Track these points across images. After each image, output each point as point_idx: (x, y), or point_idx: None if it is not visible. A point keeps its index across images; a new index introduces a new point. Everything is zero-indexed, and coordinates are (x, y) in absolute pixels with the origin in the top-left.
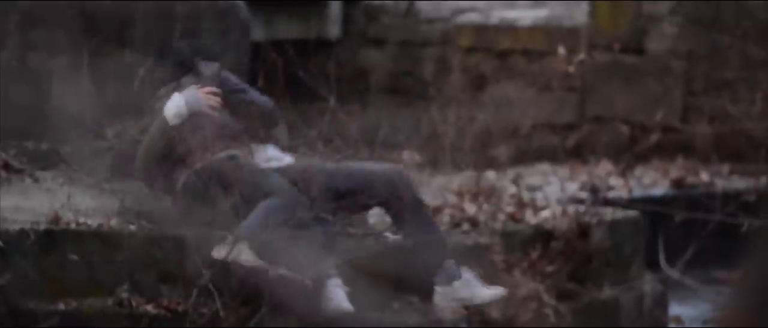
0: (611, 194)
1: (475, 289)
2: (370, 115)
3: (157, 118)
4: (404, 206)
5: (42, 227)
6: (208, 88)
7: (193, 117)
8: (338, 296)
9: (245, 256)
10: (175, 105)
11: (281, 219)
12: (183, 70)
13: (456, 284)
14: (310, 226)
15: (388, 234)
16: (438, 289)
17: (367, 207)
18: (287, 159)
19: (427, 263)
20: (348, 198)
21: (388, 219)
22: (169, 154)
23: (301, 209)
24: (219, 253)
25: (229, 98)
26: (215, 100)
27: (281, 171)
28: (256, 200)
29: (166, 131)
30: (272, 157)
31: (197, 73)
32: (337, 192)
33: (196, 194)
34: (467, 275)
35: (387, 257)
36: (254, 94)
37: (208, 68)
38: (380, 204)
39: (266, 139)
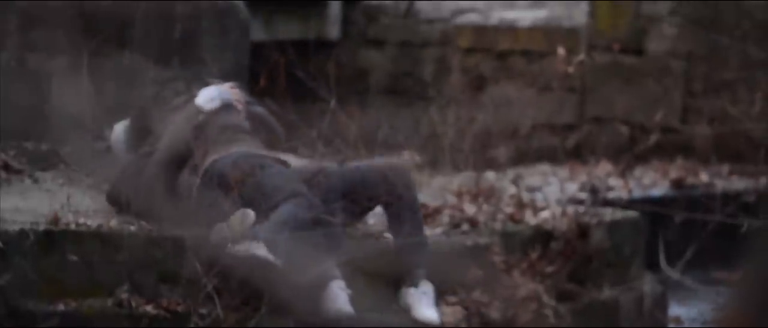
0: (611, 195)
1: (418, 304)
2: (369, 116)
3: (175, 124)
4: (402, 206)
5: (41, 227)
6: (233, 85)
7: (223, 108)
8: (340, 298)
9: (260, 251)
10: (209, 94)
11: (303, 222)
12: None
13: (411, 290)
14: (323, 226)
15: (388, 235)
16: (401, 290)
17: (369, 208)
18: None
19: (405, 265)
20: (350, 199)
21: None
22: (196, 149)
23: (317, 212)
24: (229, 243)
25: (249, 109)
26: (242, 96)
27: (297, 170)
28: (273, 198)
29: (194, 121)
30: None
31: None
32: (338, 193)
33: (213, 187)
34: (425, 288)
35: (377, 257)
36: (266, 114)
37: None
38: (381, 204)
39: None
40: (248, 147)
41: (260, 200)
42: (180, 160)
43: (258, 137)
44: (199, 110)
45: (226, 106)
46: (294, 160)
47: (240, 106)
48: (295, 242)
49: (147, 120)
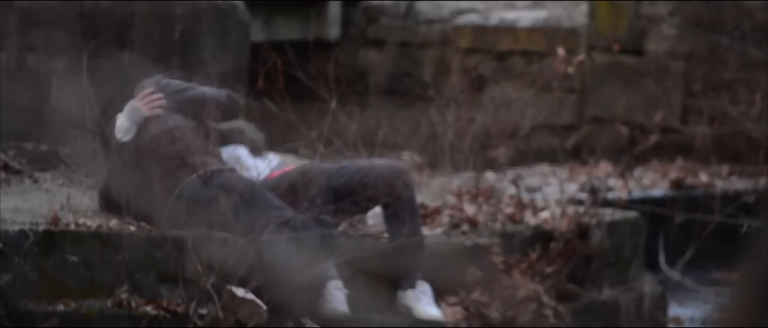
0: (611, 195)
1: (418, 304)
2: (369, 116)
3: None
4: (401, 206)
5: (41, 228)
6: (141, 95)
7: (143, 127)
8: (337, 298)
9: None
10: (120, 124)
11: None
12: (120, 98)
13: (409, 292)
14: (310, 227)
15: (387, 235)
16: (399, 293)
17: (368, 208)
18: (275, 161)
19: (402, 267)
20: (348, 198)
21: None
22: (144, 171)
23: (295, 217)
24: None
25: (175, 100)
26: (156, 101)
27: (281, 176)
28: (253, 219)
29: (121, 152)
30: (258, 163)
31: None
32: (337, 192)
33: (192, 210)
34: (422, 287)
35: (374, 257)
36: (202, 89)
37: (149, 81)
38: (380, 204)
39: (234, 140)
40: (195, 158)
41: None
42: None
43: (203, 124)
44: (118, 143)
45: (144, 124)
46: (275, 160)
47: (158, 111)
48: (293, 242)
49: (114, 104)
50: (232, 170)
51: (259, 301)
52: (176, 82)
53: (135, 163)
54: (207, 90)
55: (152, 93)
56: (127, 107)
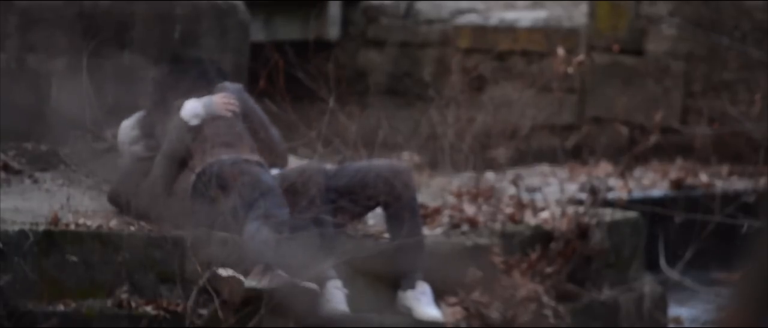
0: (611, 195)
1: (418, 304)
2: (369, 117)
3: (170, 132)
4: (401, 207)
5: (41, 228)
6: (224, 95)
7: (210, 120)
8: (336, 297)
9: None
10: (192, 107)
11: (265, 242)
12: (203, 86)
13: (409, 292)
14: (307, 227)
15: (387, 235)
16: (399, 293)
17: (368, 208)
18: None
19: (402, 267)
20: (348, 198)
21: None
22: (188, 157)
23: (285, 213)
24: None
25: (248, 117)
26: (233, 106)
27: (280, 175)
28: (251, 204)
29: (184, 134)
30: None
31: (218, 89)
32: (336, 193)
33: (201, 194)
34: (422, 288)
35: (375, 257)
36: (272, 128)
37: (232, 87)
38: (380, 204)
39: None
40: (237, 153)
41: (238, 207)
42: (178, 163)
43: (253, 138)
44: (184, 124)
45: (212, 119)
46: (292, 161)
47: (229, 114)
48: (292, 242)
49: (152, 122)
50: (230, 158)
51: (240, 276)
52: (253, 105)
53: (196, 144)
54: (274, 130)
55: (230, 97)
56: (205, 98)
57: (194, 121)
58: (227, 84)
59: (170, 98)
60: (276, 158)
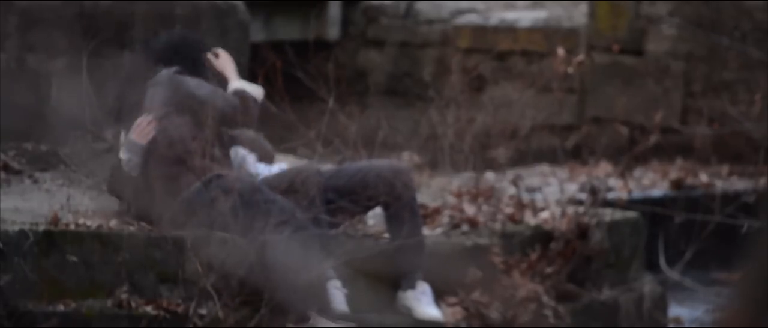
0: (611, 195)
1: (418, 304)
2: (369, 117)
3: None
4: (401, 207)
5: (41, 228)
6: (135, 126)
7: (147, 152)
8: (336, 297)
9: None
10: (125, 159)
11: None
12: (146, 70)
13: (409, 292)
14: (309, 227)
15: (387, 235)
16: (399, 293)
17: (368, 208)
18: (275, 168)
19: (402, 267)
20: (348, 198)
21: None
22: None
23: (298, 214)
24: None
25: (185, 100)
26: (149, 128)
27: (278, 175)
28: (255, 218)
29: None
30: (260, 167)
31: (152, 79)
32: (336, 193)
33: (195, 217)
34: (422, 288)
35: (375, 257)
36: (214, 93)
37: (162, 77)
38: (380, 204)
39: (244, 145)
40: (203, 165)
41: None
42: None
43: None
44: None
45: (147, 150)
46: (274, 168)
47: (146, 139)
48: (292, 242)
49: (123, 99)
50: (234, 174)
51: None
52: (188, 83)
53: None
54: (219, 94)
55: (147, 122)
56: (127, 142)
57: (135, 172)
58: (161, 73)
59: (131, 83)
60: (236, 119)
